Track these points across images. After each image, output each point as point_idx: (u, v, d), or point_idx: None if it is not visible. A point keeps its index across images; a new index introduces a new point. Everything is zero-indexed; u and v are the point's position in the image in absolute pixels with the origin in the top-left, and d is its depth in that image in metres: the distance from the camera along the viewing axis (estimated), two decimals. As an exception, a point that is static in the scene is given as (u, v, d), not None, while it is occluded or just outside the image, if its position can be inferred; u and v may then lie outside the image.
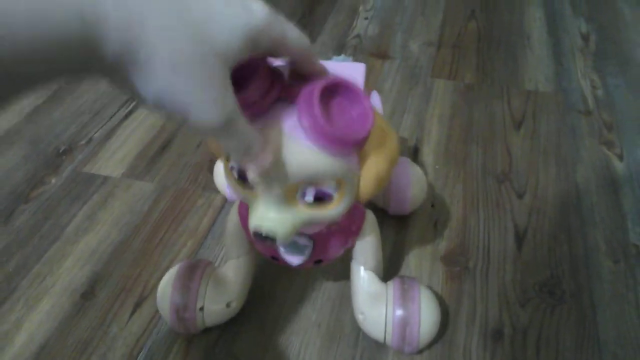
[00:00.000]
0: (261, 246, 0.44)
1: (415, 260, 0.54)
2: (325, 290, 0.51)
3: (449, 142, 0.68)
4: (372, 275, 0.45)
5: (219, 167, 0.59)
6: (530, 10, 0.99)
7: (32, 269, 0.54)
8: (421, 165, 0.65)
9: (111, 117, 0.75)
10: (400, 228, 0.57)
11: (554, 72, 0.82)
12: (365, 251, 0.45)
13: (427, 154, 0.67)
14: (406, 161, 0.55)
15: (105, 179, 0.64)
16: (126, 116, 0.75)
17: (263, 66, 0.30)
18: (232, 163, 0.34)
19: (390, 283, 0.45)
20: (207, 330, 0.48)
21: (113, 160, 0.67)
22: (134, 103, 0.77)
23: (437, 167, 0.65)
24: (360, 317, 0.45)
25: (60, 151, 0.69)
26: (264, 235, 0.33)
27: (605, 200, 0.60)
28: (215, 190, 0.62)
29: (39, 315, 0.50)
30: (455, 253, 0.54)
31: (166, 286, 0.45)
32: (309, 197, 0.33)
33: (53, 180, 0.65)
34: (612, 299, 0.50)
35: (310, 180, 0.32)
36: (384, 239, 0.54)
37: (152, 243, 0.57)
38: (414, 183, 0.54)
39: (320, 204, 0.33)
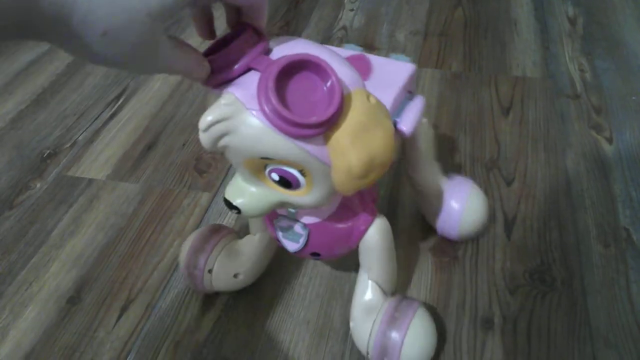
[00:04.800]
0: (268, 224, 0.43)
1: (404, 251, 0.53)
2: (314, 287, 0.51)
3: (437, 131, 0.68)
4: (373, 286, 0.42)
5: None
6: (516, -5, 0.98)
7: (17, 275, 0.54)
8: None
9: (95, 119, 0.74)
10: (388, 219, 0.56)
11: (542, 57, 0.81)
12: (370, 258, 0.42)
13: (436, 149, 0.66)
14: (467, 182, 0.51)
15: (90, 181, 0.64)
16: (111, 117, 0.74)
17: (243, 36, 0.30)
18: None
19: (389, 300, 0.42)
20: (194, 331, 0.48)
21: (98, 162, 0.67)
22: (118, 104, 0.76)
23: (425, 157, 0.64)
24: (351, 324, 0.43)
25: (45, 155, 0.68)
26: (230, 204, 0.33)
27: (595, 184, 0.60)
28: (201, 189, 0.62)
29: (25, 322, 0.50)
30: (444, 243, 0.54)
31: (185, 247, 0.47)
32: (274, 176, 0.32)
33: (38, 185, 0.64)
34: (603, 284, 0.50)
35: (265, 159, 0.31)
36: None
37: (139, 245, 0.56)
38: (469, 208, 0.49)
39: (288, 186, 0.32)
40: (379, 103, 0.32)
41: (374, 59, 0.45)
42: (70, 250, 0.56)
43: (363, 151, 0.30)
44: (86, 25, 0.23)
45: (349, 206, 0.40)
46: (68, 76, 0.83)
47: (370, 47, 0.85)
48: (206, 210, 0.59)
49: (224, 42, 0.31)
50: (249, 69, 0.30)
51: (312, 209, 0.39)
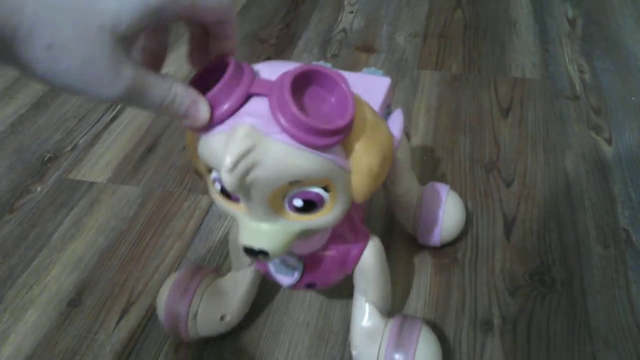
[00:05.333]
0: (257, 262, 0.42)
1: (404, 253, 0.53)
2: (314, 288, 0.51)
3: (436, 133, 0.68)
4: (372, 310, 0.41)
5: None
6: (516, -3, 0.98)
7: (18, 278, 0.54)
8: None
9: (96, 122, 0.74)
10: (388, 221, 0.57)
11: (541, 58, 0.81)
12: (367, 281, 0.41)
13: (415, 145, 0.66)
14: (444, 188, 0.51)
15: (91, 184, 0.64)
16: (111, 120, 0.74)
17: (229, 64, 0.28)
18: (214, 175, 0.31)
19: (391, 322, 0.41)
20: (194, 333, 0.48)
21: (98, 165, 0.67)
22: (118, 107, 0.76)
23: (425, 158, 0.64)
24: (353, 353, 0.42)
25: (46, 159, 0.69)
26: (255, 251, 0.31)
27: (595, 185, 0.60)
28: (202, 192, 0.62)
29: (26, 325, 0.50)
30: (444, 245, 0.54)
31: (165, 288, 0.44)
32: (298, 202, 0.30)
33: (38, 189, 0.64)
34: (602, 285, 0.50)
35: (294, 183, 0.29)
36: (371, 231, 0.53)
37: (139, 248, 0.56)
38: (449, 213, 0.50)
39: (311, 209, 0.30)
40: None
41: (349, 76, 0.42)
42: (71, 253, 0.56)
43: (379, 149, 0.31)
44: (32, 37, 0.22)
45: (341, 232, 0.38)
46: (68, 80, 0.83)
47: (370, 50, 0.85)
48: (206, 213, 0.59)
49: (201, 78, 0.30)
50: (248, 97, 0.28)
51: (305, 242, 0.37)
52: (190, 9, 0.26)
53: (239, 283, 0.45)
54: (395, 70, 0.80)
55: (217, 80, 0.28)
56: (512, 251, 0.53)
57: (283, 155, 0.27)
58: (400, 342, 0.39)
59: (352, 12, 0.96)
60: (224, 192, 0.31)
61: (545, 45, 0.84)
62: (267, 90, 0.28)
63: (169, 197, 0.62)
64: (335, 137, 0.28)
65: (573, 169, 0.62)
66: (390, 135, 0.32)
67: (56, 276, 0.54)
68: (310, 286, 0.40)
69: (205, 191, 0.62)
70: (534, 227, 0.55)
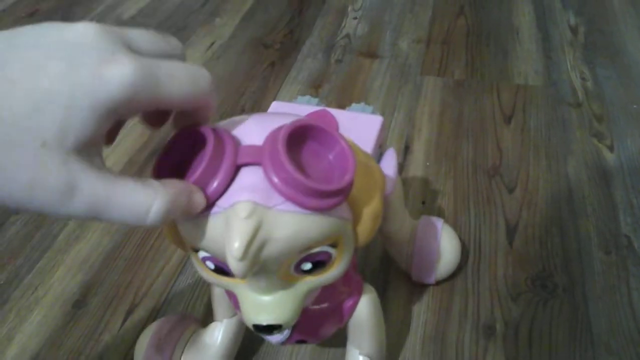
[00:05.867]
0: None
1: (407, 258, 0.54)
2: (317, 291, 0.51)
3: (439, 139, 0.68)
4: None
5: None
6: (519, 4, 0.99)
7: (23, 279, 0.54)
8: (412, 163, 0.65)
9: (101, 125, 0.74)
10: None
11: (544, 65, 0.82)
12: (361, 334, 0.38)
13: (418, 151, 0.67)
14: (438, 222, 0.48)
15: (96, 187, 0.64)
16: (116, 124, 0.75)
17: (205, 135, 0.25)
18: (202, 255, 0.28)
19: None
20: (199, 335, 0.48)
21: (103, 168, 0.67)
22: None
23: (427, 164, 0.65)
24: None
25: (51, 161, 0.69)
26: (270, 326, 0.28)
27: (597, 191, 0.60)
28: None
29: (31, 326, 0.50)
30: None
31: (142, 341, 0.42)
32: (307, 266, 0.28)
33: (44, 190, 0.65)
34: (604, 291, 0.50)
35: (303, 251, 0.27)
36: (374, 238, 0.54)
37: (144, 249, 0.57)
38: (445, 248, 0.48)
39: (319, 269, 0.28)
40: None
41: (338, 114, 0.41)
42: (76, 254, 0.56)
43: (377, 192, 0.29)
44: None
45: (334, 284, 0.34)
46: (74, 82, 0.84)
47: (373, 55, 0.86)
48: (210, 216, 0.60)
49: (167, 154, 0.26)
50: (237, 169, 0.25)
51: None
52: (156, 104, 0.22)
53: (222, 335, 0.42)
54: (399, 76, 0.81)
55: (188, 153, 0.26)
56: (514, 256, 0.53)
57: (292, 225, 0.25)
58: None
59: (355, 18, 0.96)
60: (218, 269, 0.28)
61: (547, 52, 0.85)
62: (257, 157, 0.25)
63: (174, 199, 0.62)
64: (342, 196, 0.25)
65: (575, 176, 0.62)
66: (382, 173, 0.31)
67: (61, 277, 0.54)
68: (301, 342, 0.38)
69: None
70: (536, 232, 0.56)
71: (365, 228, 0.29)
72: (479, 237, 0.55)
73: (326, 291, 0.35)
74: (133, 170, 0.67)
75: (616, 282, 0.51)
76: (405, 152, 0.67)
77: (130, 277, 0.54)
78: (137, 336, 0.48)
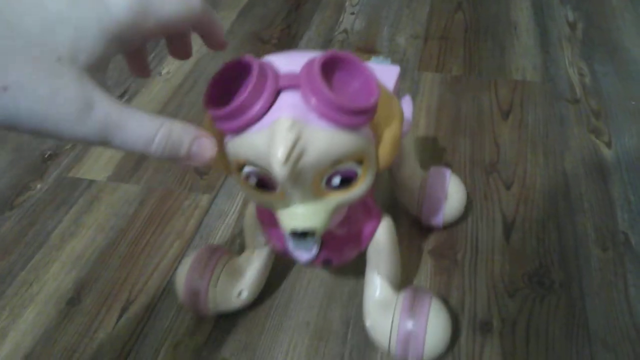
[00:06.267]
0: (274, 240, 0.43)
1: (404, 253, 0.53)
2: (313, 288, 0.51)
3: (437, 135, 0.68)
4: (384, 283, 0.44)
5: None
6: (516, 0, 0.99)
7: (17, 276, 0.54)
8: (408, 159, 0.64)
9: (96, 121, 0.74)
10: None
11: (542, 61, 0.81)
12: (379, 257, 0.43)
13: (415, 146, 0.66)
14: (446, 171, 0.53)
15: (91, 182, 0.64)
16: (111, 119, 0.74)
17: (250, 64, 0.29)
18: (246, 170, 0.32)
19: (402, 293, 0.44)
20: (194, 332, 0.48)
21: (98, 163, 0.67)
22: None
23: (425, 159, 0.64)
24: (367, 323, 0.44)
25: (46, 156, 0.69)
26: (302, 233, 0.33)
27: (594, 188, 0.60)
28: (202, 191, 0.62)
29: (25, 323, 0.50)
30: (444, 246, 0.54)
31: (184, 266, 0.46)
32: (336, 181, 0.32)
33: (38, 186, 0.64)
34: (601, 287, 0.50)
35: (335, 164, 0.31)
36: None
37: (139, 246, 0.56)
38: (452, 195, 0.52)
39: (347, 185, 0.33)
40: None
41: None
42: (71, 251, 0.56)
43: (397, 119, 0.34)
44: None
45: (355, 211, 0.40)
46: (69, 78, 0.83)
47: (371, 51, 0.85)
48: (206, 212, 0.59)
49: (217, 84, 0.31)
50: (277, 93, 0.30)
51: None
52: (157, 28, 0.25)
53: (254, 261, 0.47)
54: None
55: (237, 82, 0.30)
56: (511, 253, 0.53)
57: (325, 139, 0.29)
58: (412, 310, 0.42)
59: (353, 14, 0.96)
60: (259, 184, 0.33)
61: (545, 48, 0.84)
62: (295, 82, 0.29)
63: (169, 195, 0.62)
64: (368, 115, 0.30)
65: (572, 172, 0.62)
66: (400, 107, 0.35)
67: (55, 274, 0.54)
68: (326, 262, 0.42)
69: (206, 190, 0.62)
70: (533, 229, 0.55)
71: (386, 151, 0.33)
72: (476, 233, 0.55)
73: (349, 217, 0.39)
74: (129, 165, 0.66)
75: (613, 279, 0.50)
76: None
77: (125, 274, 0.53)
78: (132, 333, 0.48)
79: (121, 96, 0.79)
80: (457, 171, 0.62)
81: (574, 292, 0.49)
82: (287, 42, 0.89)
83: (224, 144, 0.32)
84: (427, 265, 0.52)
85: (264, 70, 0.29)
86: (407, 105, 0.41)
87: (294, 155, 0.28)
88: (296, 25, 0.93)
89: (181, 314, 0.50)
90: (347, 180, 0.32)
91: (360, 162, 0.32)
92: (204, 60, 0.85)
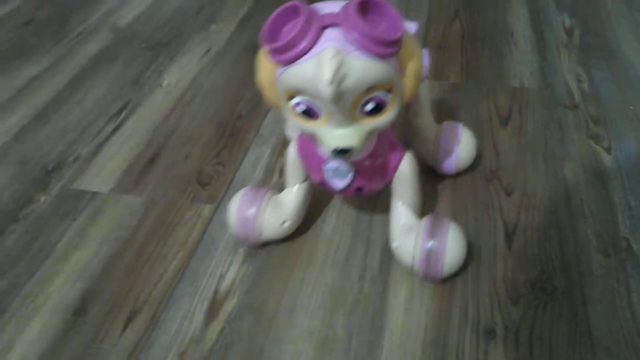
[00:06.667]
0: (313, 174, 0.51)
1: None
2: (317, 297, 0.51)
3: (436, 143, 0.68)
4: (407, 210, 0.51)
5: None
6: (513, 7, 0.99)
7: (22, 288, 0.54)
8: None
9: (98, 134, 0.75)
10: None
11: (539, 67, 0.82)
12: (403, 187, 0.50)
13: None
14: (458, 125, 0.60)
15: (94, 194, 0.64)
16: (113, 132, 0.75)
17: (299, 7, 0.37)
18: (296, 99, 0.39)
19: (423, 219, 0.51)
20: (198, 342, 0.48)
21: (101, 175, 0.67)
22: (120, 118, 0.77)
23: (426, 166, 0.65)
24: (393, 245, 0.51)
25: (49, 169, 0.69)
26: (342, 150, 0.40)
27: (595, 194, 0.60)
28: (204, 202, 0.62)
29: (31, 335, 0.50)
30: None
31: (235, 201, 0.54)
32: (370, 106, 0.39)
33: (42, 199, 0.65)
34: (603, 294, 0.50)
35: (369, 91, 0.38)
36: (373, 242, 0.54)
37: (143, 257, 0.57)
38: (463, 143, 0.60)
39: (378, 111, 0.40)
40: None
41: None
42: (75, 263, 0.56)
43: (417, 57, 0.41)
44: None
45: (382, 145, 0.48)
46: (70, 91, 0.84)
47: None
48: (209, 223, 0.60)
49: (274, 23, 0.38)
50: (323, 29, 0.37)
51: None
52: None
53: (295, 196, 0.54)
54: (395, 80, 0.81)
55: (288, 23, 0.38)
56: (513, 260, 0.53)
57: (362, 67, 0.37)
58: (432, 233, 0.49)
59: (351, 23, 0.96)
60: (305, 112, 0.40)
61: (543, 54, 0.85)
62: (336, 20, 0.37)
63: (172, 207, 0.62)
64: (396, 47, 0.37)
65: (573, 178, 0.62)
66: (420, 49, 0.42)
67: (60, 286, 0.54)
68: (358, 190, 0.50)
69: (208, 201, 0.62)
70: (534, 235, 0.56)
71: (409, 83, 0.41)
72: (477, 240, 0.56)
73: (377, 150, 0.47)
74: (132, 177, 0.67)
75: (615, 285, 0.51)
76: (403, 156, 0.67)
77: (129, 285, 0.54)
78: (138, 343, 0.49)
79: (122, 109, 0.79)
80: (457, 178, 0.63)
81: (576, 299, 0.50)
82: (287, 52, 0.89)
83: (276, 77, 0.39)
84: (429, 273, 0.53)
85: (311, 11, 0.36)
86: (425, 55, 0.47)
87: (338, 77, 0.36)
88: (295, 35, 0.94)
89: (186, 323, 0.50)
90: (379, 108, 0.40)
91: (389, 90, 0.39)
92: (203, 72, 0.86)
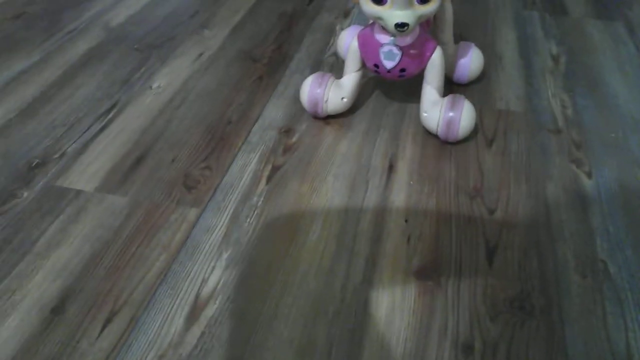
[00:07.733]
0: (369, 60, 0.70)
1: (388, 274, 0.54)
2: (298, 306, 0.51)
3: (422, 159, 0.69)
4: (434, 91, 0.70)
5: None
6: (503, 32, 1.02)
7: (0, 283, 0.53)
8: (396, 181, 0.66)
9: (85, 131, 0.74)
10: (374, 242, 0.57)
11: (525, 92, 0.84)
12: (432, 74, 0.70)
13: (402, 170, 0.67)
14: (472, 45, 0.81)
15: (78, 193, 0.64)
16: (100, 130, 0.74)
17: None
18: None
19: (445, 98, 0.70)
20: (177, 346, 0.48)
21: (86, 174, 0.67)
22: (108, 117, 0.77)
23: (411, 183, 0.65)
24: (423, 115, 0.71)
25: (33, 165, 0.68)
26: (402, 23, 0.60)
27: (574, 216, 0.61)
28: (189, 205, 0.62)
29: (7, 331, 0.49)
30: (428, 268, 0.55)
31: (307, 82, 0.74)
32: None
33: (25, 194, 0.64)
34: (580, 314, 0.51)
35: None
36: (357, 253, 0.54)
37: (124, 258, 0.56)
38: (474, 59, 0.80)
39: (426, 2, 0.61)
40: None
41: None
42: (56, 260, 0.56)
43: None
44: None
45: (421, 39, 0.67)
46: (59, 87, 0.83)
47: (360, 74, 0.87)
48: (193, 226, 0.60)
49: None
50: None
51: (403, 37, 0.66)
52: None
53: (351, 80, 0.74)
54: (384, 96, 0.82)
55: None
56: (493, 277, 0.54)
57: None
58: (452, 105, 0.69)
59: (343, 37, 0.98)
60: (375, 1, 0.61)
61: (529, 79, 0.87)
62: None
63: (156, 208, 0.62)
64: None
65: (553, 200, 0.63)
66: None
67: (39, 282, 0.54)
68: (402, 71, 0.68)
69: (194, 204, 0.62)
70: (515, 254, 0.57)
71: None
72: (459, 256, 0.56)
73: (416, 42, 0.67)
74: (117, 177, 0.66)
75: (592, 306, 0.52)
76: (389, 171, 0.67)
77: (110, 285, 0.53)
78: (116, 344, 0.48)
79: (110, 109, 0.79)
80: (442, 195, 0.64)
81: (554, 318, 0.51)
82: (278, 62, 0.90)
83: None
84: (411, 286, 0.53)
85: None
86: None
87: None
88: (287, 45, 0.95)
89: (165, 327, 0.50)
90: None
91: None
92: (194, 77, 0.86)
